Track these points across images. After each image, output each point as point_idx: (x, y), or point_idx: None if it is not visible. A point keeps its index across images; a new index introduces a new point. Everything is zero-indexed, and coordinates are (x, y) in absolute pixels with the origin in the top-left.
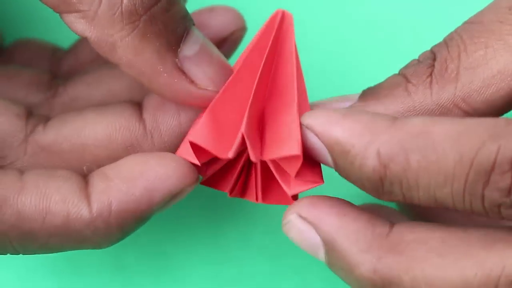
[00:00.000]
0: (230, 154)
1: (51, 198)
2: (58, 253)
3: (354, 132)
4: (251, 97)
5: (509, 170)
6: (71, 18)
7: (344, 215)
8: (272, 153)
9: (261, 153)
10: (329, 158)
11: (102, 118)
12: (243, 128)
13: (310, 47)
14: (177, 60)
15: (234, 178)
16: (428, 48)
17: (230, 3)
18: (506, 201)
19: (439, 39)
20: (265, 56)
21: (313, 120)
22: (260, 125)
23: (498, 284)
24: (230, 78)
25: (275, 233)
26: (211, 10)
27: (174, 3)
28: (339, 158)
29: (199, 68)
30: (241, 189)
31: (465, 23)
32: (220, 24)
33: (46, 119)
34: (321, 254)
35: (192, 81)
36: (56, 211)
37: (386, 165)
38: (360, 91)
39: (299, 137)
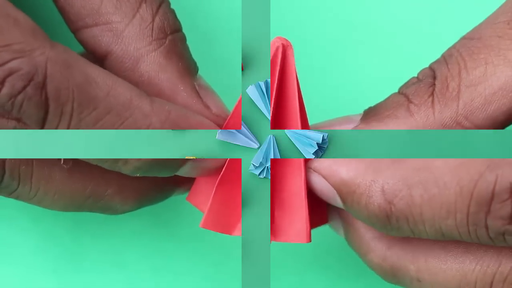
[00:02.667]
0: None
1: (118, 80)
2: (58, 252)
3: (358, 171)
4: None
5: (508, 198)
6: (97, 31)
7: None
8: (282, 236)
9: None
10: (338, 200)
11: None
12: None
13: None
14: (195, 83)
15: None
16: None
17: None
18: (509, 228)
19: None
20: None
21: (319, 163)
22: None
23: (493, 279)
24: None
25: None
26: None
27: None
28: (347, 198)
29: (214, 96)
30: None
31: (463, 38)
32: None
33: None
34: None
35: (207, 106)
36: (121, 91)
37: (390, 201)
38: (351, 106)
39: (307, 218)
